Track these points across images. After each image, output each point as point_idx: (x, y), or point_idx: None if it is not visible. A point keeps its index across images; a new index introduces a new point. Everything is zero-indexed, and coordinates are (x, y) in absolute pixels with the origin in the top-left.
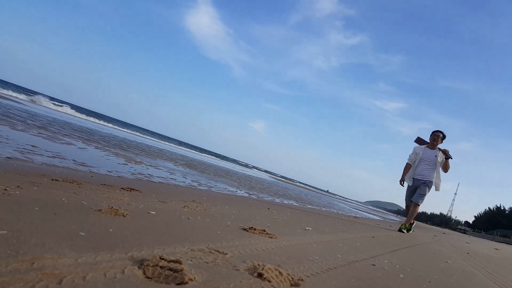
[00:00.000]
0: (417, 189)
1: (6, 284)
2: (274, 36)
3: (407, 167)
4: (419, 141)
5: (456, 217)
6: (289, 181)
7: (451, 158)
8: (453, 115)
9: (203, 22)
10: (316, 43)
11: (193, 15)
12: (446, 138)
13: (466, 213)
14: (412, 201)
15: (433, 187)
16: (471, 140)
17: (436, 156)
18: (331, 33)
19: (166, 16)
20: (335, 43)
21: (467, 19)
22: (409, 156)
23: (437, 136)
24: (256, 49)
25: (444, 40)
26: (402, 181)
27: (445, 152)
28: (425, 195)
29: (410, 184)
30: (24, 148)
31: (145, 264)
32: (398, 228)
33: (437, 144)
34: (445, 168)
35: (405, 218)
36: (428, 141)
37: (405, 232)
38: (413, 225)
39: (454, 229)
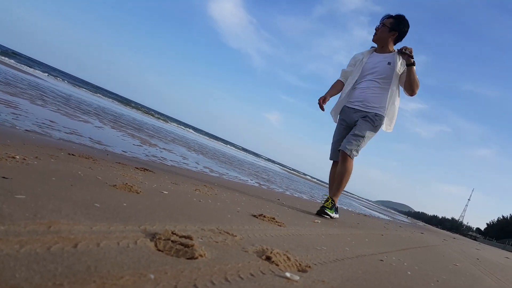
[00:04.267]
0: (352, 128)
1: (24, 243)
2: (296, 28)
3: (336, 86)
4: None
5: (467, 223)
6: (301, 175)
7: (414, 64)
8: (474, 120)
9: (226, 8)
10: (339, 37)
11: (216, 1)
12: (409, 33)
13: (478, 220)
14: (340, 150)
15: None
16: (490, 146)
17: (389, 63)
18: (355, 28)
19: (190, 0)
20: (358, 39)
21: (499, 23)
22: (342, 70)
23: (381, 24)
24: (277, 39)
25: (472, 43)
26: (322, 100)
27: (403, 52)
28: (363, 137)
29: (335, 121)
30: (43, 123)
31: (157, 237)
32: (322, 203)
33: (384, 40)
34: (410, 85)
35: (416, 220)
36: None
37: (329, 212)
38: (335, 215)
39: (465, 235)
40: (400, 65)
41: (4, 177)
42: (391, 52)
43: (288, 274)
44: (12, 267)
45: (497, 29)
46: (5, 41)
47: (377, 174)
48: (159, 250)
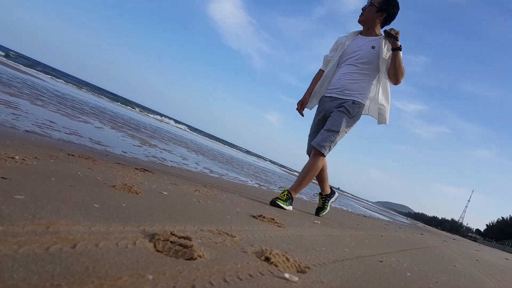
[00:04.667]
0: (327, 120)
1: (22, 243)
2: (296, 28)
3: (318, 78)
4: None
5: (467, 224)
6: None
7: (400, 49)
8: (474, 120)
9: (226, 9)
10: None
11: (216, 1)
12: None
13: (478, 221)
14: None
15: (367, 117)
16: (490, 147)
17: (373, 47)
18: (355, 29)
19: (190, 1)
20: None
21: (499, 23)
22: (324, 58)
23: (369, 4)
24: (277, 40)
25: (472, 43)
26: (301, 104)
27: (389, 33)
28: (337, 132)
29: (309, 108)
30: (43, 123)
31: (156, 238)
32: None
33: (371, 21)
34: (395, 71)
35: (416, 221)
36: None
37: (281, 204)
38: (332, 199)
39: (465, 236)
40: (386, 50)
41: (3, 178)
42: (377, 35)
43: (287, 275)
44: (10, 268)
45: (497, 29)
46: (5, 41)
47: (377, 175)
48: (158, 251)
